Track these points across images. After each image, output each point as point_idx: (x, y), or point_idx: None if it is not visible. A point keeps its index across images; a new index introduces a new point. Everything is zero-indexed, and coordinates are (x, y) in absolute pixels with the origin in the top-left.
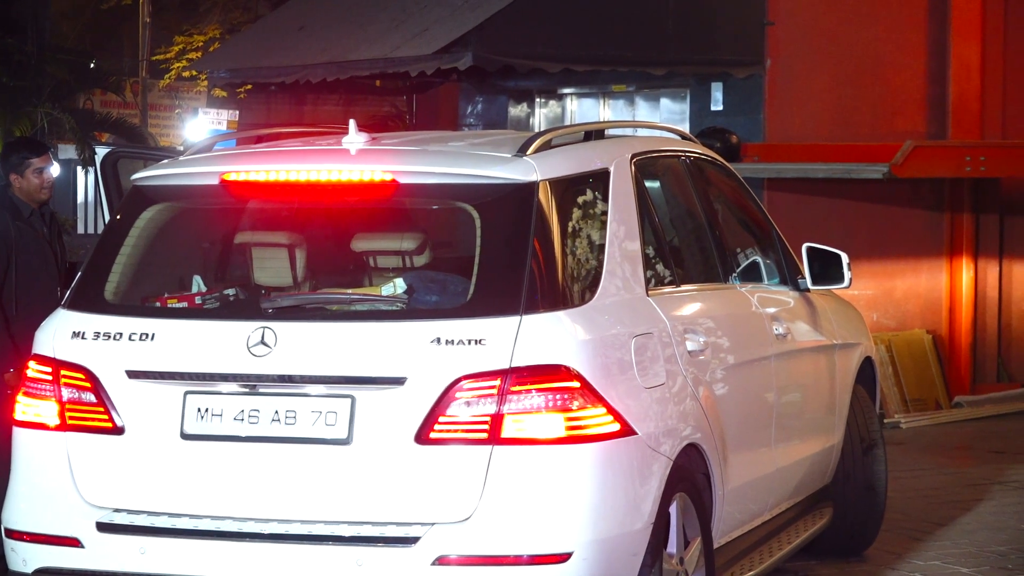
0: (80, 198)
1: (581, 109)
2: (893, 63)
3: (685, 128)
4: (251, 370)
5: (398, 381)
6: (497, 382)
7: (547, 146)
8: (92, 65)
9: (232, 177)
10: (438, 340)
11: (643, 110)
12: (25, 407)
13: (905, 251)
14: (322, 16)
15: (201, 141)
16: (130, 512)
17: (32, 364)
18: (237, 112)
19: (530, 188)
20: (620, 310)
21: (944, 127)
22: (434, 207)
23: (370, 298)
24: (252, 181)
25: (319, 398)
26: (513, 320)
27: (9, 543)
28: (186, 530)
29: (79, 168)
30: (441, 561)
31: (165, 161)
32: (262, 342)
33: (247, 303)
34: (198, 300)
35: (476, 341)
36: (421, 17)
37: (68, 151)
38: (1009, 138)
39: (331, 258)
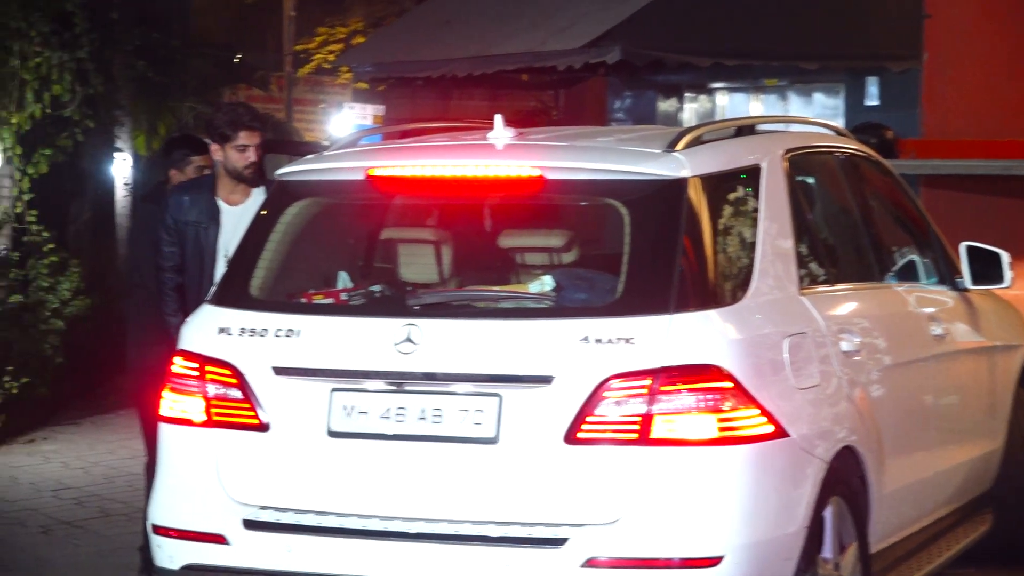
0: None
1: (732, 104)
2: None
3: (839, 124)
4: (397, 367)
5: (546, 380)
6: (647, 382)
7: (697, 141)
8: (237, 60)
9: (378, 172)
10: (587, 339)
11: (796, 105)
12: (171, 403)
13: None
14: (468, 10)
15: (346, 136)
16: (276, 510)
17: (178, 360)
18: (383, 107)
19: (680, 184)
20: (772, 309)
21: None
22: (582, 204)
23: (517, 295)
24: (398, 176)
25: (466, 396)
26: (663, 319)
27: (156, 539)
28: (332, 528)
29: None
30: (591, 563)
31: (310, 156)
32: (408, 339)
33: (393, 300)
34: (344, 296)
35: (625, 340)
36: (569, 10)
37: None
38: None
39: (477, 255)
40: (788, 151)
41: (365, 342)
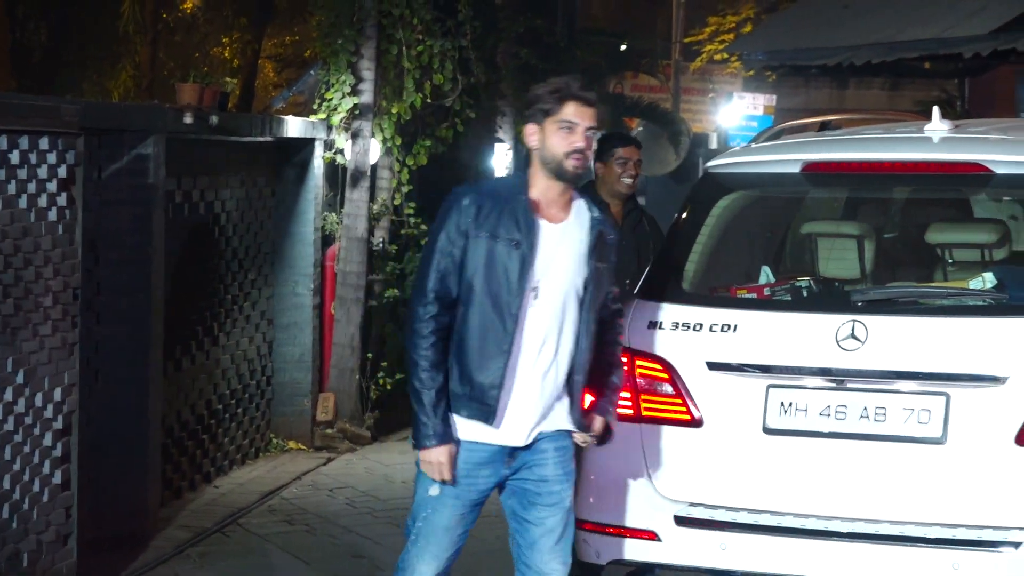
0: None
1: None
2: None
3: None
4: (840, 364)
5: (998, 380)
6: None
7: None
8: (623, 47)
9: (818, 163)
10: None
11: None
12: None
13: None
14: None
15: (769, 130)
16: (707, 507)
17: None
18: (774, 96)
19: None
20: None
21: None
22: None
23: (966, 292)
24: (838, 169)
25: (911, 395)
26: None
27: (582, 534)
28: (768, 527)
29: None
30: None
31: (736, 148)
32: (852, 336)
33: (833, 295)
34: (767, 291)
35: None
36: None
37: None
38: None
39: (910, 250)
40: None
41: (805, 338)
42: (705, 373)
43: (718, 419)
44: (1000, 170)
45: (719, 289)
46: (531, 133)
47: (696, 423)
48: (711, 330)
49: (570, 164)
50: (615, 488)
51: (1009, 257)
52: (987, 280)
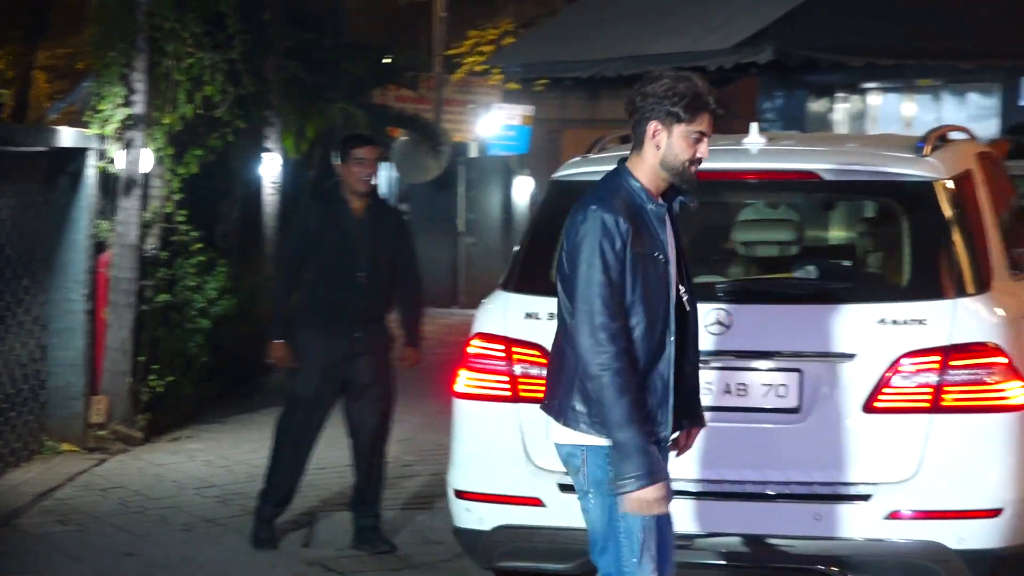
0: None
1: (884, 105)
2: None
3: (995, 124)
4: (706, 347)
5: (848, 356)
6: (938, 357)
7: (935, 148)
8: (387, 61)
9: None
10: (883, 320)
11: (949, 106)
12: (470, 381)
13: None
14: (618, 10)
15: (598, 143)
16: None
17: (477, 342)
18: (532, 107)
19: (944, 185)
20: (1012, 294)
21: None
22: (852, 201)
23: (813, 282)
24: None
25: (769, 372)
26: (949, 303)
27: (463, 503)
28: None
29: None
30: (893, 516)
31: (576, 159)
32: (717, 322)
33: (700, 288)
34: None
35: (918, 321)
36: (721, 10)
37: None
38: None
39: (752, 248)
40: (978, 155)
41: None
42: None
43: None
44: (828, 177)
45: None
46: (655, 132)
47: None
48: None
49: (692, 171)
50: (497, 461)
51: (803, 252)
52: (810, 272)
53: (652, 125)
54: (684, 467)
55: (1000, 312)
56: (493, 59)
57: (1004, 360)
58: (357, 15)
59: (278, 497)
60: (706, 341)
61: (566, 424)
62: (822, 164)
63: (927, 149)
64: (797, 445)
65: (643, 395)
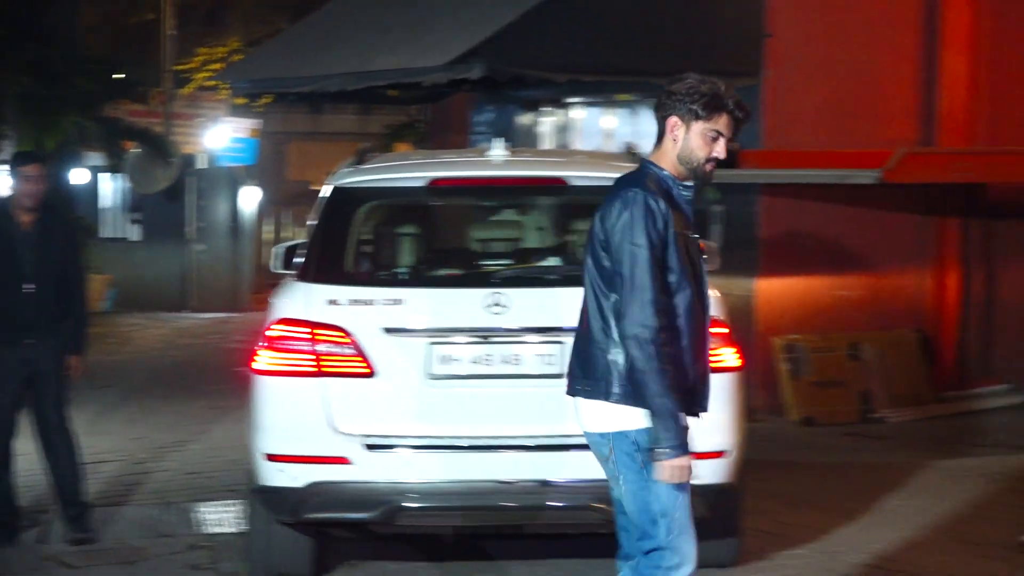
0: (103, 203)
1: (587, 118)
2: (885, 73)
3: None
4: (487, 325)
5: None
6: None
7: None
8: (119, 76)
9: (443, 179)
10: None
11: (646, 119)
12: (275, 360)
13: (895, 254)
14: (340, 28)
15: (373, 155)
16: (389, 436)
17: (281, 327)
18: (260, 121)
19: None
20: None
21: (933, 135)
22: (592, 203)
23: (567, 269)
24: (460, 183)
25: (538, 344)
26: None
27: (276, 465)
28: (437, 446)
29: (103, 175)
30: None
31: (350, 169)
32: (496, 303)
33: (479, 275)
34: (423, 274)
35: None
36: (435, 29)
37: (96, 159)
38: (995, 145)
39: (508, 243)
40: None
41: (460, 307)
42: (381, 336)
43: (392, 370)
44: (574, 182)
45: (384, 273)
46: (674, 126)
47: (373, 374)
48: (384, 303)
49: (707, 168)
50: (306, 427)
51: (560, 244)
52: (553, 261)
53: (672, 120)
54: (474, 425)
55: (712, 292)
56: (221, 75)
57: (723, 330)
58: (90, 31)
59: None
60: (487, 319)
61: (617, 401)
62: (571, 171)
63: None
64: (565, 404)
65: (683, 370)
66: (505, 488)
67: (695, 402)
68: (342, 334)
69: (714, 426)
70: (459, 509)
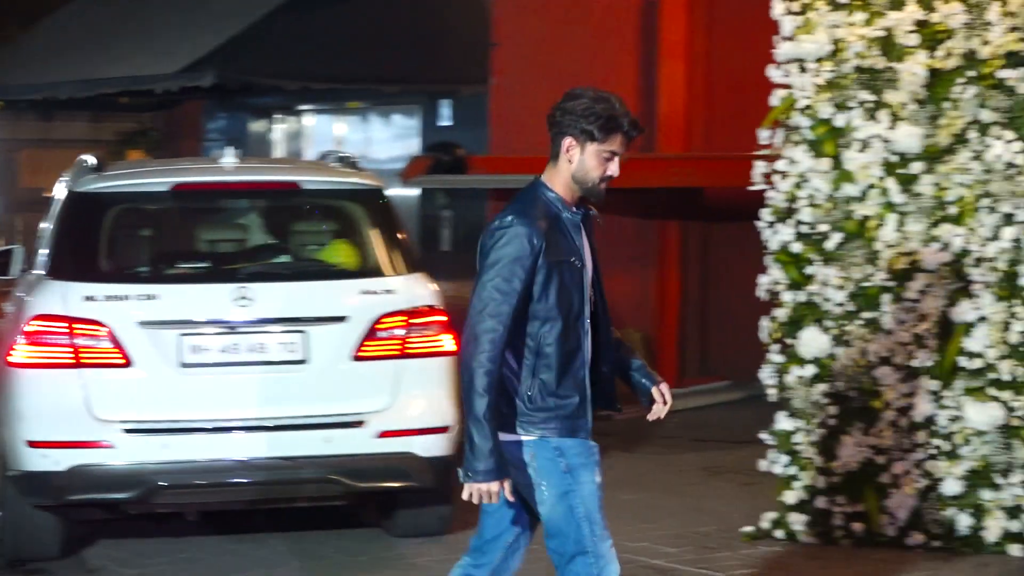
0: None
1: (318, 125)
2: (607, 81)
3: (416, 143)
4: (234, 317)
5: (342, 319)
6: (403, 318)
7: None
8: None
9: (186, 184)
10: (365, 291)
11: (377, 126)
12: (32, 353)
13: (620, 256)
14: (72, 36)
15: (115, 165)
16: (147, 421)
17: (39, 323)
18: None
19: (383, 190)
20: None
21: (653, 140)
22: (320, 205)
23: (312, 263)
24: (202, 188)
25: (281, 333)
26: (406, 277)
27: (38, 451)
28: (193, 429)
29: None
30: (381, 435)
31: (93, 175)
32: (242, 297)
33: (226, 272)
34: (176, 271)
35: (389, 291)
36: (168, 37)
37: None
38: (712, 151)
39: (247, 241)
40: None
41: (209, 301)
42: (136, 329)
43: (147, 360)
44: (305, 186)
45: (138, 270)
46: (568, 147)
47: (130, 364)
48: (138, 298)
49: (602, 188)
50: (67, 415)
51: (268, 247)
52: (283, 257)
53: (567, 141)
54: (224, 409)
55: (433, 285)
56: None
57: (443, 318)
58: None
59: None
60: (233, 312)
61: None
62: (302, 176)
63: (346, 166)
64: (306, 387)
65: (500, 399)
66: (254, 465)
67: (607, 402)
68: (99, 327)
69: (438, 405)
70: (213, 487)
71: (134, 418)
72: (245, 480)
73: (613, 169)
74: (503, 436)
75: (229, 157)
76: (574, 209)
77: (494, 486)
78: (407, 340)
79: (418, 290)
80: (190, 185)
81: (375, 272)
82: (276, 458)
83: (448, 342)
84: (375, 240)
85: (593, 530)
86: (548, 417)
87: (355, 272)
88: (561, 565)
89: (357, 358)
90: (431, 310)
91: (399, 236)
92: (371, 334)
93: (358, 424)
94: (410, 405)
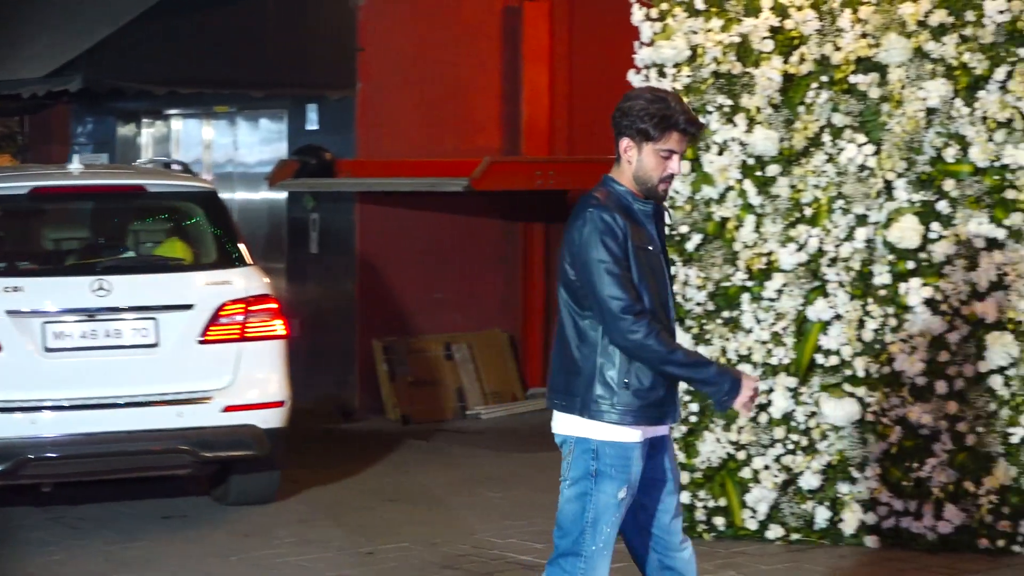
0: None
1: (185, 129)
2: (472, 85)
3: (283, 147)
4: (93, 305)
5: (190, 307)
6: (243, 305)
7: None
8: None
9: (44, 188)
10: (209, 282)
11: (244, 130)
12: None
13: (486, 258)
14: None
15: None
16: (16, 400)
17: None
18: None
19: (216, 192)
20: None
21: (518, 144)
22: (167, 206)
23: (157, 258)
24: (59, 191)
25: (136, 320)
26: (244, 269)
27: None
28: (57, 407)
29: None
30: (226, 409)
31: None
32: (100, 288)
33: (86, 265)
34: (40, 266)
35: (227, 282)
36: (34, 41)
37: None
38: (574, 154)
39: (100, 238)
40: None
41: (70, 291)
42: (4, 317)
43: (15, 346)
44: (151, 189)
45: (3, 265)
46: (627, 148)
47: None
48: (4, 291)
49: (662, 188)
50: None
51: (122, 243)
52: (127, 253)
53: (624, 142)
54: (84, 388)
55: (265, 278)
56: None
57: (275, 306)
58: None
59: None
60: (92, 301)
61: (591, 417)
62: (148, 180)
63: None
64: (159, 368)
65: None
66: (114, 438)
67: (667, 410)
68: None
69: (275, 381)
70: (76, 458)
71: (3, 398)
72: (107, 451)
73: (673, 167)
74: (562, 415)
75: (75, 164)
76: (644, 199)
77: (748, 381)
78: (246, 325)
79: (254, 281)
80: (47, 189)
81: (217, 265)
82: (134, 431)
83: (279, 327)
84: (214, 236)
85: (595, 538)
86: (637, 405)
87: (200, 265)
88: (554, 556)
89: (203, 341)
90: (266, 298)
91: (235, 232)
92: (215, 320)
93: (205, 400)
94: (250, 382)
